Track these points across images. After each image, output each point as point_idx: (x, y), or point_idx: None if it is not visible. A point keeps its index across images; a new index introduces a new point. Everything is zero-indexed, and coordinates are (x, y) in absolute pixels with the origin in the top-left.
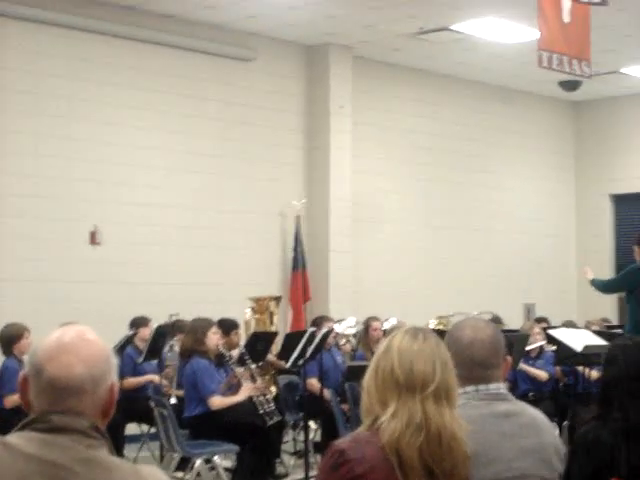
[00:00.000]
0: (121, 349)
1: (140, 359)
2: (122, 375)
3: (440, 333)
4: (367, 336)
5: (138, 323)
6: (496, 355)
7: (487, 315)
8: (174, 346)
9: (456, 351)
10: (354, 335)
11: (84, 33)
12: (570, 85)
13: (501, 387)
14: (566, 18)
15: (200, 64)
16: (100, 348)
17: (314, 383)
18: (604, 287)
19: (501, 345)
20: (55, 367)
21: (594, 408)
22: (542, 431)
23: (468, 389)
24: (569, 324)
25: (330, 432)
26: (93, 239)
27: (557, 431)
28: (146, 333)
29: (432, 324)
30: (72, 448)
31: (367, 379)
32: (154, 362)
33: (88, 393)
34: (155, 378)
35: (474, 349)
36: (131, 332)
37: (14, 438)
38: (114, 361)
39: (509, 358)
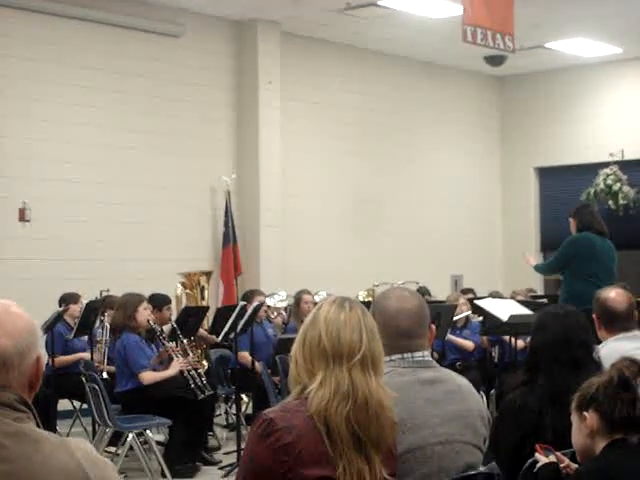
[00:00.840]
0: (51, 326)
1: (70, 335)
2: (53, 352)
3: (369, 305)
4: (298, 309)
5: (67, 299)
6: (421, 324)
7: (412, 285)
8: (104, 322)
9: (382, 320)
10: (285, 308)
11: (7, 9)
12: (495, 60)
13: (426, 355)
14: None
15: (128, 40)
16: (25, 321)
17: (245, 356)
18: (548, 268)
19: (426, 314)
20: None
21: (520, 375)
22: (467, 397)
23: (394, 357)
24: (495, 294)
25: (261, 405)
26: (22, 216)
27: (485, 399)
28: (76, 309)
29: (361, 296)
30: (0, 421)
31: (295, 349)
32: (84, 338)
33: (14, 366)
34: (85, 355)
35: (400, 318)
36: (61, 309)
37: None
38: (39, 333)
39: (433, 327)
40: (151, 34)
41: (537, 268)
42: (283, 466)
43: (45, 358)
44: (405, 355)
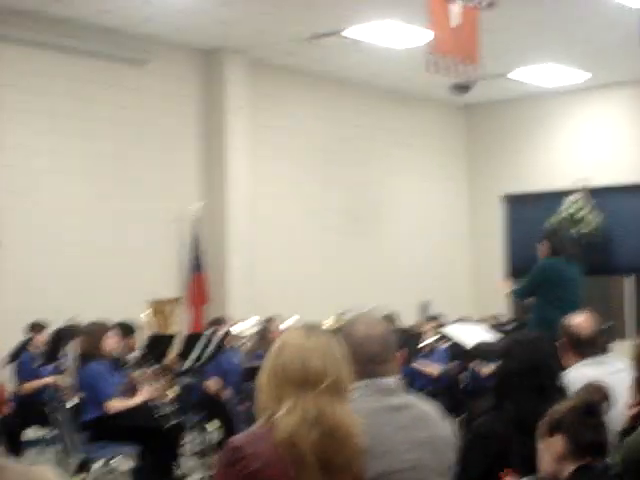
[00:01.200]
0: (16, 354)
1: (36, 364)
2: (20, 380)
3: (338, 332)
4: (266, 336)
5: (34, 328)
6: (388, 350)
7: (381, 311)
8: (70, 349)
9: (350, 346)
10: (257, 333)
11: None
12: (460, 88)
13: (391, 381)
14: (454, 21)
15: (94, 67)
16: None
17: (210, 385)
18: (522, 293)
19: (392, 340)
20: None
21: (486, 402)
22: (434, 423)
23: (360, 384)
24: (464, 318)
25: (229, 432)
26: None
27: (454, 425)
28: (40, 339)
29: (329, 323)
30: None
31: (261, 377)
32: (50, 367)
33: None
34: (51, 380)
35: (367, 345)
36: (25, 338)
37: None
38: None
39: (399, 353)
40: (118, 61)
41: (515, 293)
42: None
43: (11, 386)
44: (371, 381)
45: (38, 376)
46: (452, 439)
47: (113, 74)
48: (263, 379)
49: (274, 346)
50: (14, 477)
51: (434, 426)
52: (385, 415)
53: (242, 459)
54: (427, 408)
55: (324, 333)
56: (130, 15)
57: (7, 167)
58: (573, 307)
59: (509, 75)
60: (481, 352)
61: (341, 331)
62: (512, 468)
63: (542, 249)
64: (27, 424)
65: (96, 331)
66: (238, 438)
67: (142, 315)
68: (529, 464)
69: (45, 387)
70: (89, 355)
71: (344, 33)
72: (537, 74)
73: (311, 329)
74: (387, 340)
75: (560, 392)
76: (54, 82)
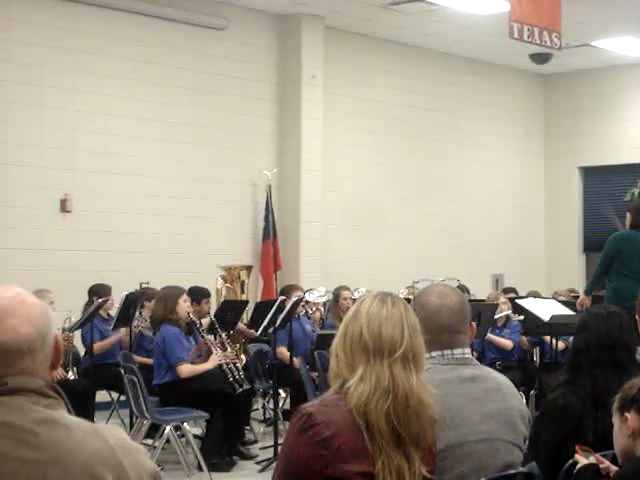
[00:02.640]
0: (90, 317)
1: (110, 327)
2: (92, 343)
3: (410, 302)
4: (337, 305)
5: (99, 291)
6: (462, 321)
7: (453, 282)
8: (143, 314)
9: (423, 317)
10: (324, 304)
11: (54, 2)
12: (541, 58)
13: (466, 352)
14: None
15: (172, 32)
16: (38, 305)
17: (283, 351)
18: (595, 277)
19: (467, 311)
20: (1, 332)
21: (561, 376)
22: (507, 395)
23: (434, 354)
24: (534, 294)
25: (299, 400)
26: (63, 207)
27: (524, 399)
28: (111, 303)
29: (402, 294)
30: (30, 409)
31: (336, 343)
32: (122, 330)
33: (39, 351)
34: (121, 336)
35: (441, 315)
36: (100, 300)
37: None
38: (52, 314)
39: (474, 324)
40: (195, 27)
41: (590, 286)
42: (322, 460)
43: (82, 351)
44: (445, 352)
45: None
46: (526, 412)
47: (191, 39)
48: (337, 346)
49: (349, 313)
50: (83, 435)
51: (507, 398)
52: (458, 385)
53: (314, 426)
54: (500, 380)
55: (399, 302)
56: None
57: (86, 131)
58: None
59: (592, 43)
60: (556, 326)
61: (415, 300)
62: (586, 443)
63: (629, 217)
64: (98, 387)
65: (170, 296)
66: (310, 405)
67: (215, 281)
68: (603, 440)
69: (117, 347)
70: (162, 319)
71: None
72: (617, 45)
73: (387, 297)
74: (462, 311)
75: (637, 367)
76: (132, 47)
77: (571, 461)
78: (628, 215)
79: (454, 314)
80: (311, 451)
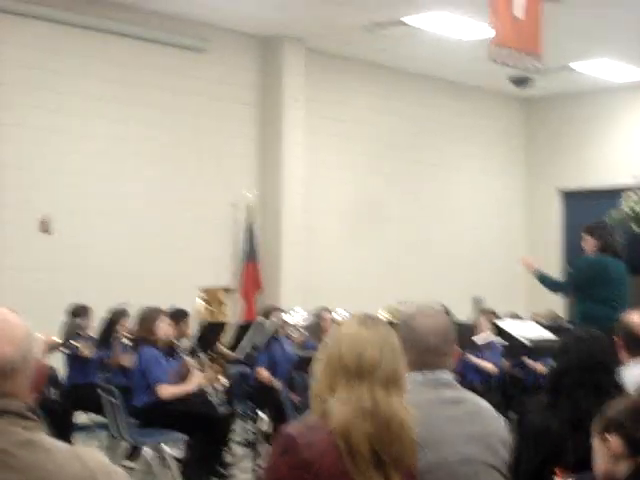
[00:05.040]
0: (67, 339)
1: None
2: (70, 365)
3: (391, 324)
4: (318, 327)
5: (79, 312)
6: (448, 343)
7: (436, 305)
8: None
9: (409, 337)
10: (306, 327)
11: (39, 21)
12: (521, 81)
13: (445, 374)
14: (518, 13)
15: (153, 53)
16: (21, 326)
17: (263, 373)
18: (558, 286)
19: (452, 334)
20: None
21: (540, 399)
22: (488, 419)
23: (416, 375)
24: (514, 316)
25: (280, 422)
26: (43, 227)
27: (503, 422)
28: (91, 324)
29: (382, 314)
30: (10, 431)
31: (317, 366)
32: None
33: (20, 372)
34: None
35: (428, 336)
36: (78, 320)
37: None
38: (35, 336)
39: (457, 348)
40: (176, 48)
41: (541, 278)
42: None
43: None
44: (426, 373)
45: (89, 361)
46: (506, 437)
47: (171, 60)
48: (318, 368)
49: (330, 335)
50: (63, 458)
51: (488, 422)
52: (439, 407)
53: (295, 448)
54: (481, 404)
55: (381, 323)
56: (189, 2)
57: (60, 152)
58: (620, 304)
59: (571, 65)
60: (537, 348)
61: (400, 321)
62: (566, 466)
63: (590, 241)
64: (77, 408)
65: (149, 316)
66: (292, 427)
67: (195, 302)
68: (584, 462)
69: (95, 371)
70: (142, 340)
71: (405, 20)
72: (598, 68)
73: (368, 319)
74: (447, 333)
75: (617, 390)
76: (112, 68)
77: None
78: (589, 239)
79: (440, 335)
80: (292, 473)
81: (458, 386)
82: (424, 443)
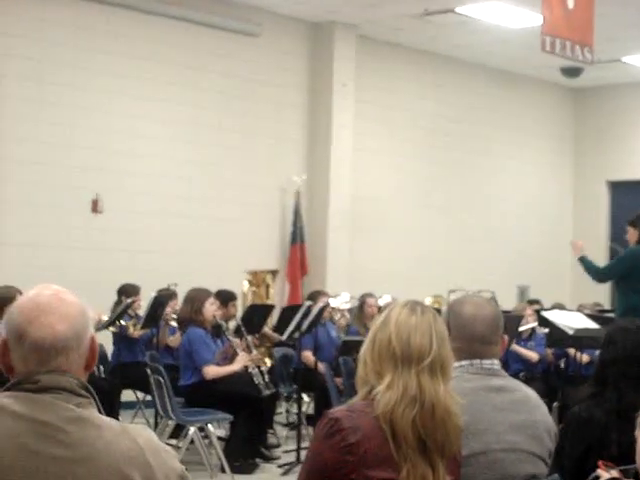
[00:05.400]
0: (119, 317)
1: (139, 327)
2: (119, 343)
3: (438, 312)
4: (362, 312)
5: (129, 291)
6: (496, 332)
7: (487, 294)
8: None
9: (457, 325)
10: (349, 310)
11: (89, 3)
12: (571, 71)
13: (495, 363)
14: (570, 4)
15: (205, 37)
16: (76, 305)
17: (309, 356)
18: (600, 273)
19: (501, 323)
20: (38, 329)
21: (584, 389)
22: (534, 408)
23: (463, 363)
24: (558, 306)
25: (323, 405)
26: (95, 207)
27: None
28: (139, 303)
29: (428, 302)
30: (62, 407)
31: (364, 350)
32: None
33: (73, 350)
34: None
35: (475, 324)
36: (129, 300)
37: (2, 398)
38: (90, 314)
39: (506, 337)
40: (228, 32)
41: (586, 264)
42: (347, 466)
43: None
44: (474, 362)
45: (135, 340)
46: (552, 426)
47: (225, 45)
48: (365, 352)
49: (378, 320)
50: (114, 435)
51: (534, 411)
52: (485, 395)
53: (341, 431)
54: (528, 393)
55: (428, 310)
56: None
57: (115, 132)
58: None
59: (622, 58)
60: (581, 339)
61: (449, 309)
62: (610, 457)
63: (632, 232)
64: (124, 386)
65: (197, 297)
66: (337, 410)
67: (241, 285)
68: (627, 454)
69: (143, 350)
70: (189, 321)
71: (457, 10)
72: None
73: (416, 306)
74: (496, 322)
75: None
76: (165, 50)
77: (593, 475)
78: (632, 230)
79: (488, 325)
80: (337, 456)
81: (505, 375)
82: (469, 430)
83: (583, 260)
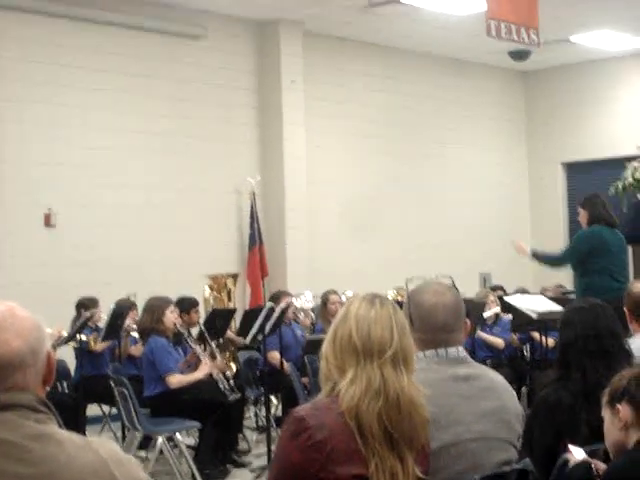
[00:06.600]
0: (78, 331)
1: (99, 340)
2: (82, 360)
3: (398, 304)
4: (325, 309)
5: (87, 304)
6: (458, 319)
7: (446, 279)
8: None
9: (419, 315)
10: (312, 309)
11: (34, 15)
12: (519, 54)
13: (460, 350)
14: None
15: (150, 43)
16: (30, 319)
17: (275, 356)
18: (556, 261)
19: (462, 309)
20: None
21: (551, 373)
22: (502, 394)
23: (428, 353)
24: (521, 291)
25: (291, 406)
26: (47, 221)
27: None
28: (99, 315)
29: (390, 295)
30: (22, 424)
31: (325, 346)
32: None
33: (30, 366)
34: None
35: (437, 313)
36: (88, 314)
37: None
38: (46, 330)
39: (468, 322)
40: (172, 36)
41: (540, 258)
42: (315, 464)
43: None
44: (439, 351)
45: (97, 354)
46: (520, 410)
47: (169, 49)
48: (327, 348)
49: (338, 315)
50: (76, 449)
51: (502, 397)
52: (452, 385)
53: (306, 429)
54: (494, 378)
55: (388, 303)
56: None
57: (64, 143)
58: (619, 273)
59: (570, 38)
60: (545, 322)
61: (409, 299)
62: (580, 438)
63: (583, 214)
64: (89, 400)
65: (157, 306)
66: (302, 409)
67: (202, 290)
68: (597, 433)
69: (105, 363)
70: (150, 330)
71: (401, 0)
72: (597, 39)
73: (375, 298)
74: (458, 308)
75: (626, 355)
76: (109, 59)
77: (562, 458)
78: (582, 211)
79: (450, 312)
80: (304, 455)
81: (472, 362)
82: (437, 422)
83: (536, 255)
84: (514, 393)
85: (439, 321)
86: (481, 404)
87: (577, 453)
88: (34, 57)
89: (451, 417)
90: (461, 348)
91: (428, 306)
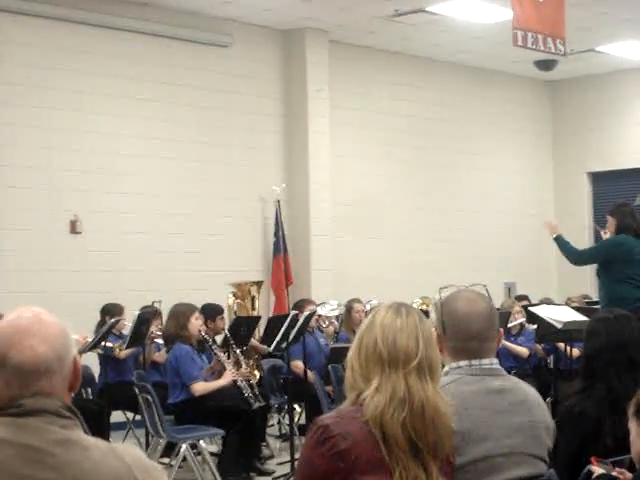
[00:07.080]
0: (103, 338)
1: (123, 347)
2: (105, 364)
3: (424, 313)
4: (349, 318)
5: (112, 311)
6: (491, 327)
7: (480, 288)
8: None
9: (451, 324)
10: (336, 317)
11: (61, 22)
12: (546, 64)
13: (494, 362)
14: None
15: (177, 51)
16: (57, 326)
17: (299, 365)
18: (578, 256)
19: (496, 317)
20: (19, 352)
21: (576, 383)
22: (533, 408)
23: (461, 363)
24: (547, 301)
25: (314, 414)
26: (73, 228)
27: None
28: (124, 322)
29: (416, 304)
30: (47, 430)
31: (351, 355)
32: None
33: (56, 372)
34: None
35: (471, 322)
36: (113, 320)
37: None
38: (72, 336)
39: (502, 330)
40: (199, 44)
41: (562, 243)
42: (339, 473)
43: (96, 371)
44: (473, 362)
45: (122, 360)
46: (551, 424)
47: (196, 57)
48: (352, 357)
49: (363, 324)
50: (101, 455)
51: (533, 411)
52: (484, 398)
53: (330, 438)
54: (528, 391)
55: (414, 312)
56: None
57: (91, 150)
58: None
59: (597, 48)
60: (570, 332)
61: (442, 307)
62: (605, 448)
63: (611, 222)
64: (114, 407)
65: (182, 313)
66: (326, 417)
67: (226, 298)
68: (622, 444)
69: (130, 369)
70: (175, 337)
71: (427, 9)
72: (623, 49)
73: (401, 307)
74: (491, 317)
75: None
76: (137, 67)
77: (586, 469)
78: (611, 219)
79: (483, 321)
80: (328, 463)
81: (504, 373)
82: (469, 436)
83: (559, 239)
84: (546, 407)
85: (472, 330)
86: (512, 418)
87: (602, 466)
88: (60, 64)
89: (482, 432)
90: (495, 360)
91: (461, 314)
